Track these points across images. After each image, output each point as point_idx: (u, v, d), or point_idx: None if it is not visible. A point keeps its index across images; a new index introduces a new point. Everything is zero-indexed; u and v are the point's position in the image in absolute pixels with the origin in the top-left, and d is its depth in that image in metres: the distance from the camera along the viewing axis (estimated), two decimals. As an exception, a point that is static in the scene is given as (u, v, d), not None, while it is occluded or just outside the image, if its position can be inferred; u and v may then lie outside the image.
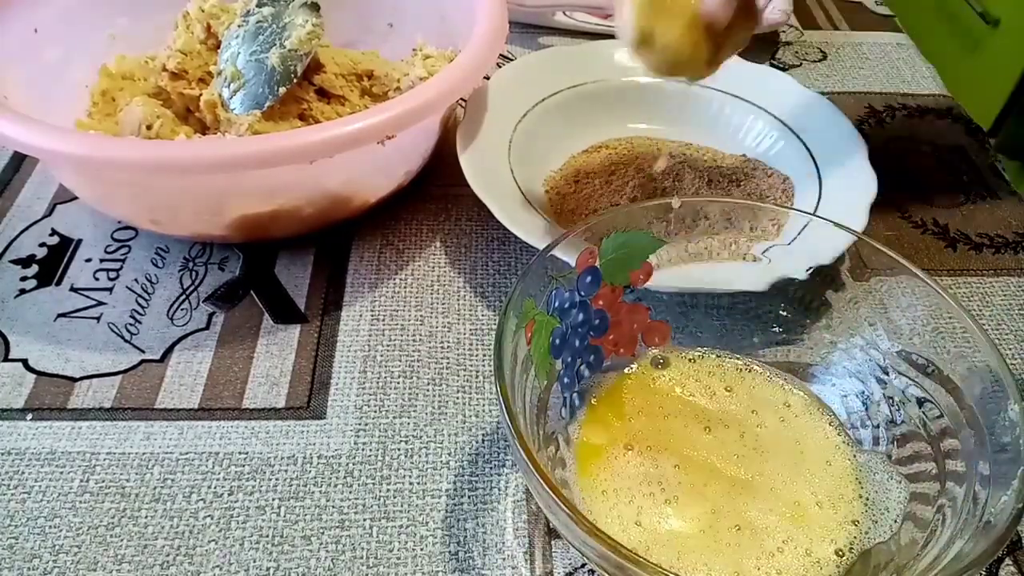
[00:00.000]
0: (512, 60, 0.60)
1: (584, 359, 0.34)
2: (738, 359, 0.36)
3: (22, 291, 0.43)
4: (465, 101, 0.49)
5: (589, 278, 0.33)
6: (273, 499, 0.34)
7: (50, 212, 0.48)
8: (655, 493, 0.31)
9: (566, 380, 0.34)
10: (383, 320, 0.42)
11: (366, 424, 0.37)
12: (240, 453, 0.36)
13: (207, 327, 0.41)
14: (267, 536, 0.33)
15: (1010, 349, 0.42)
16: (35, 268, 0.44)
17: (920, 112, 0.59)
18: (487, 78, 0.50)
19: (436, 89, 0.40)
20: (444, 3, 0.51)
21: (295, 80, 0.45)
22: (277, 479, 0.35)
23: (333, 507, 0.34)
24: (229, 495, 0.34)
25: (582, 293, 0.34)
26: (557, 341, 0.33)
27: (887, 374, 0.33)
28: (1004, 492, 0.26)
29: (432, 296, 0.43)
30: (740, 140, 0.52)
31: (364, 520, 0.34)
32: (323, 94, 0.47)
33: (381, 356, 0.40)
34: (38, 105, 0.42)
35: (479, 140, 0.46)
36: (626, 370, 0.36)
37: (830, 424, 0.34)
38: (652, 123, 0.53)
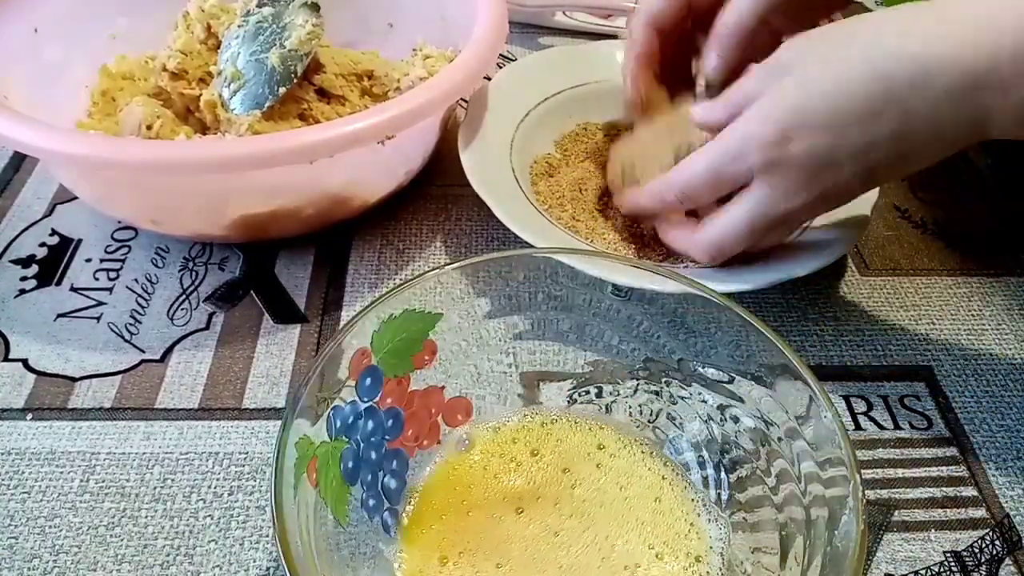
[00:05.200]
0: (512, 60, 0.60)
1: (386, 469, 0.31)
2: (539, 415, 0.34)
3: (22, 291, 0.43)
4: (466, 101, 0.49)
5: (368, 380, 0.30)
6: (273, 499, 0.34)
7: (50, 212, 0.48)
8: None
9: (371, 503, 0.30)
10: (383, 320, 0.42)
11: (366, 424, 0.37)
12: (240, 453, 0.36)
13: (207, 327, 0.41)
14: (267, 536, 0.33)
15: (1010, 349, 0.42)
16: (35, 268, 0.44)
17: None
18: (488, 78, 0.50)
19: (436, 89, 0.40)
20: (444, 3, 0.51)
21: (295, 80, 0.45)
22: (277, 479, 0.35)
23: (333, 507, 0.34)
24: (229, 495, 0.34)
25: (365, 399, 0.30)
26: (350, 464, 0.29)
27: (693, 389, 0.32)
28: (843, 511, 0.25)
29: (432, 296, 0.43)
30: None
31: (364, 520, 0.34)
32: (323, 94, 0.47)
33: (381, 356, 0.40)
34: (38, 105, 0.42)
35: (480, 140, 0.46)
36: (433, 463, 0.32)
37: (651, 454, 0.32)
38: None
